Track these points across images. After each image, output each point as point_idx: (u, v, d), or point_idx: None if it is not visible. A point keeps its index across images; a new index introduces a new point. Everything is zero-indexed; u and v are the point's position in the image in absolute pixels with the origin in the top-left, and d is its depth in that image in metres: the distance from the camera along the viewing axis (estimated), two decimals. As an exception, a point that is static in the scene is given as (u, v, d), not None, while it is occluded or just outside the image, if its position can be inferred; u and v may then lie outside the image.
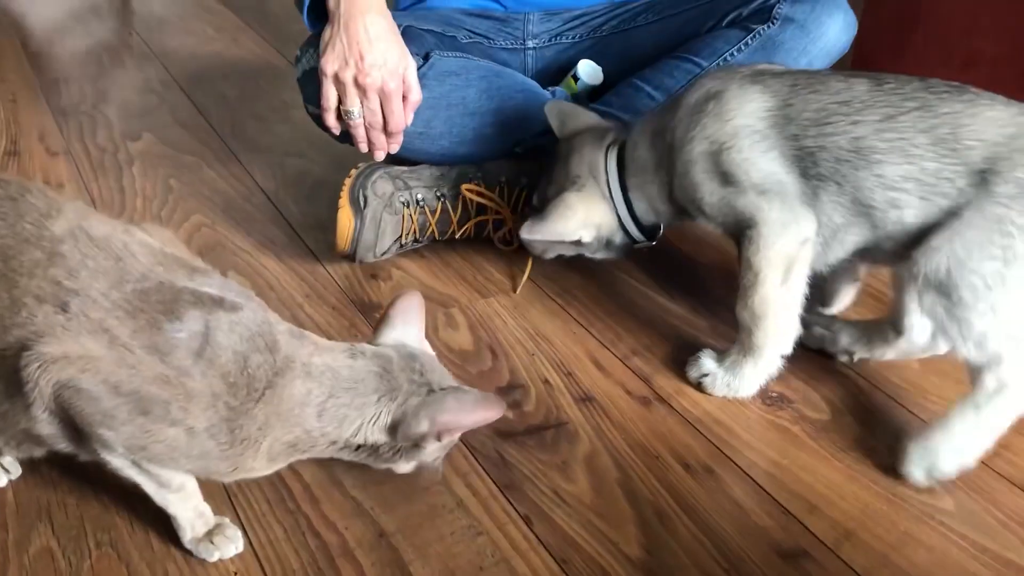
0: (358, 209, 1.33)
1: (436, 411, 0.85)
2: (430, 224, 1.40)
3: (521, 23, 1.59)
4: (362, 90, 1.25)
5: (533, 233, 1.23)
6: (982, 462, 1.06)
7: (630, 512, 0.99)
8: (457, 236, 1.43)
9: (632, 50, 1.55)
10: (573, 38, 1.61)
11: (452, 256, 1.44)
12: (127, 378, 0.75)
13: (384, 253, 1.39)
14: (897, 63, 1.67)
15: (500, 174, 1.43)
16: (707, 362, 1.17)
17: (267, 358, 0.81)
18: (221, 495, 0.99)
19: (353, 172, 1.36)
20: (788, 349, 1.14)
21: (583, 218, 1.23)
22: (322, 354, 0.85)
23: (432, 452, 0.90)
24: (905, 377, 1.20)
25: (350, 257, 1.38)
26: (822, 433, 1.10)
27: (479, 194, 1.41)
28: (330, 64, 1.24)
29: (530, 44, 1.60)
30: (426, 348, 0.94)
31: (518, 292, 1.36)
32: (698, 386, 1.17)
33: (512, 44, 1.59)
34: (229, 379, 0.79)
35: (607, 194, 1.23)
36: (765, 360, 1.14)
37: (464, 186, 1.40)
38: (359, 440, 0.85)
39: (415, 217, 1.38)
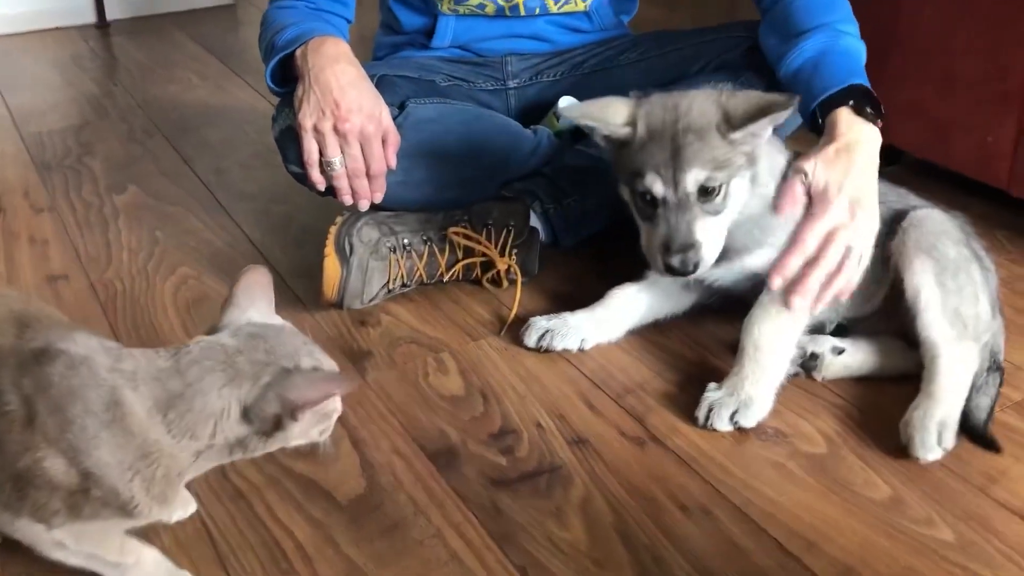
0: (344, 257, 1.33)
1: (283, 389, 0.81)
2: (417, 268, 1.39)
3: (499, 65, 1.59)
4: (342, 137, 1.25)
5: None
6: (980, 491, 1.05)
7: (627, 558, 0.97)
8: (445, 279, 1.43)
9: (615, 89, 1.54)
10: (554, 76, 1.62)
11: (441, 299, 1.44)
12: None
13: (372, 299, 1.38)
14: (874, 87, 1.69)
15: (487, 216, 1.43)
16: (725, 399, 1.15)
17: (96, 396, 0.79)
18: (212, 556, 0.98)
19: (338, 219, 1.36)
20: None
21: None
22: (146, 372, 0.82)
23: (304, 430, 0.86)
24: (902, 407, 1.19)
25: (337, 305, 1.37)
26: (818, 467, 1.09)
27: (466, 237, 1.40)
28: (308, 117, 1.25)
29: (511, 84, 1.61)
30: (276, 321, 0.91)
31: (503, 333, 1.35)
32: (737, 428, 1.15)
33: (493, 85, 1.60)
34: (63, 441, 0.78)
35: None
36: (772, 375, 1.16)
37: (451, 229, 1.40)
38: (220, 440, 0.83)
39: (402, 262, 1.37)
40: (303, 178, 1.33)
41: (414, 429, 1.17)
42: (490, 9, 1.53)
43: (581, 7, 1.57)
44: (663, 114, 1.13)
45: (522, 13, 1.54)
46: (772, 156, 1.19)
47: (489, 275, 1.45)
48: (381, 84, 1.41)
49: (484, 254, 1.42)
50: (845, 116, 1.19)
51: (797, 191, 1.14)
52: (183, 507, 1.00)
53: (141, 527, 0.98)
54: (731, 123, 1.11)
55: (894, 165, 1.84)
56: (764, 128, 1.13)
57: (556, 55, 1.61)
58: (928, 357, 1.14)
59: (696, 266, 1.13)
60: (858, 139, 1.16)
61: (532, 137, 1.52)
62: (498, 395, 1.23)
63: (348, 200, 1.31)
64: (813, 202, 1.14)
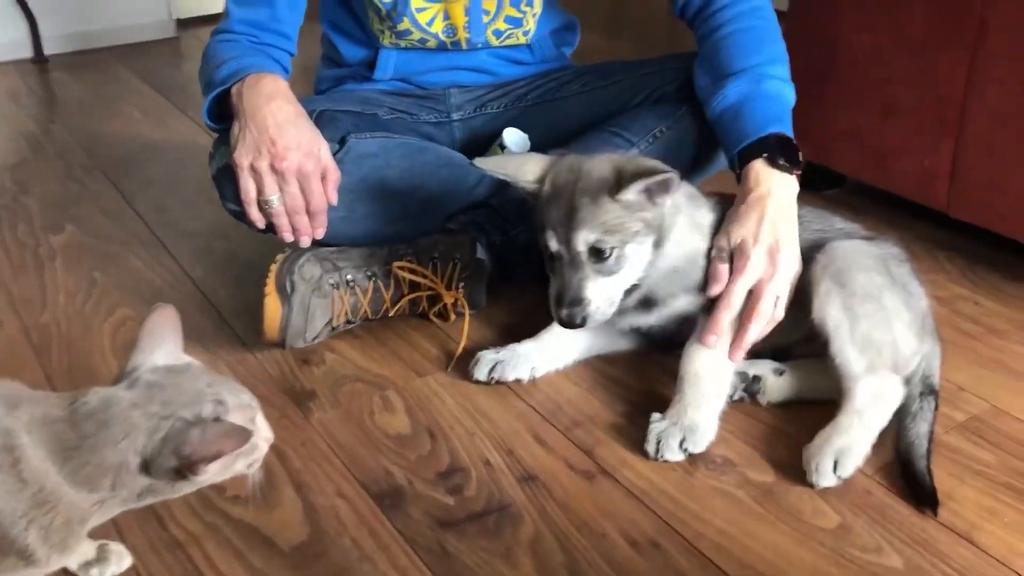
0: (285, 295, 1.30)
1: (178, 444, 0.79)
2: (362, 305, 1.37)
3: (442, 98, 1.59)
4: (280, 175, 1.24)
5: None
6: (927, 514, 1.05)
7: (577, 597, 0.96)
8: (391, 314, 1.41)
9: (558, 121, 1.56)
10: (498, 108, 1.62)
11: (387, 335, 1.42)
12: None
13: (315, 338, 1.36)
14: (813, 113, 1.71)
15: (432, 249, 1.42)
16: (670, 428, 1.15)
17: None
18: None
19: (279, 257, 1.34)
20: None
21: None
22: (42, 421, 0.79)
23: (219, 473, 0.83)
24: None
25: (280, 344, 1.34)
26: (767, 496, 1.09)
27: (411, 271, 1.39)
28: (244, 156, 1.23)
29: (455, 116, 1.60)
30: (182, 361, 0.88)
31: (451, 369, 1.34)
32: (688, 456, 1.15)
33: (436, 118, 1.59)
34: None
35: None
36: (713, 399, 1.17)
37: (395, 264, 1.38)
38: (122, 491, 0.80)
39: (346, 299, 1.35)
40: (242, 216, 1.31)
41: (359, 471, 1.14)
42: (432, 44, 1.52)
43: (523, 40, 1.58)
44: (567, 175, 1.16)
45: (464, 47, 1.54)
46: (692, 213, 1.23)
47: (436, 309, 1.43)
48: (321, 119, 1.40)
49: (430, 288, 1.40)
50: (756, 170, 1.22)
51: (720, 271, 1.19)
52: (117, 561, 0.97)
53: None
54: (616, 187, 1.13)
55: (836, 189, 1.87)
56: (642, 193, 1.13)
57: (499, 87, 1.61)
58: (844, 387, 1.15)
59: (584, 320, 1.16)
60: (769, 191, 1.20)
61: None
62: (446, 432, 1.21)
63: (288, 237, 1.29)
64: (734, 259, 1.18)
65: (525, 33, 1.56)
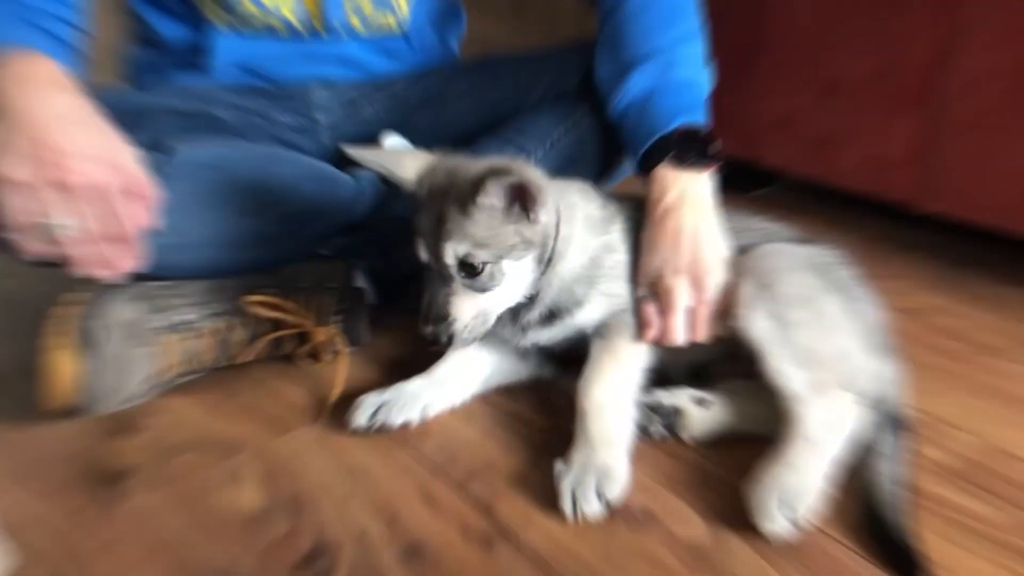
0: (88, 346, 1.02)
1: None
2: (201, 351, 1.11)
3: (302, 96, 1.34)
4: (68, 191, 0.93)
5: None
6: (843, 544, 0.86)
7: None
8: (245, 360, 1.15)
9: (445, 125, 1.36)
10: (374, 110, 1.39)
11: (240, 384, 1.16)
12: None
13: (135, 397, 1.08)
14: (743, 91, 1.49)
15: (297, 279, 1.18)
16: (583, 476, 0.94)
17: None
18: None
19: (70, 296, 1.05)
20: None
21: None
22: None
23: None
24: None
25: (80, 410, 1.06)
26: (699, 559, 0.87)
27: (270, 306, 1.14)
28: (14, 168, 0.91)
29: (321, 119, 1.36)
30: None
31: (323, 420, 1.09)
32: (607, 505, 0.93)
33: (297, 121, 1.35)
34: None
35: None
36: (622, 435, 0.99)
37: (247, 299, 1.13)
38: None
39: (176, 345, 1.09)
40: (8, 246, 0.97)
41: (189, 570, 0.87)
42: (282, 30, 1.28)
43: (396, 29, 1.35)
44: (442, 179, 1.02)
45: (324, 35, 1.30)
46: (588, 212, 1.10)
47: (306, 349, 1.19)
48: (140, 121, 1.12)
49: (297, 325, 1.16)
50: (661, 176, 1.10)
51: (649, 313, 1.07)
52: None
53: None
54: (473, 191, 0.96)
55: (765, 189, 1.67)
56: (515, 204, 0.98)
57: (372, 85, 1.38)
58: (787, 412, 0.96)
59: (451, 339, 1.02)
60: (678, 199, 1.08)
61: (352, 184, 1.27)
62: (312, 503, 0.96)
63: (87, 271, 0.98)
64: (659, 298, 1.07)
65: (398, 18, 1.33)
